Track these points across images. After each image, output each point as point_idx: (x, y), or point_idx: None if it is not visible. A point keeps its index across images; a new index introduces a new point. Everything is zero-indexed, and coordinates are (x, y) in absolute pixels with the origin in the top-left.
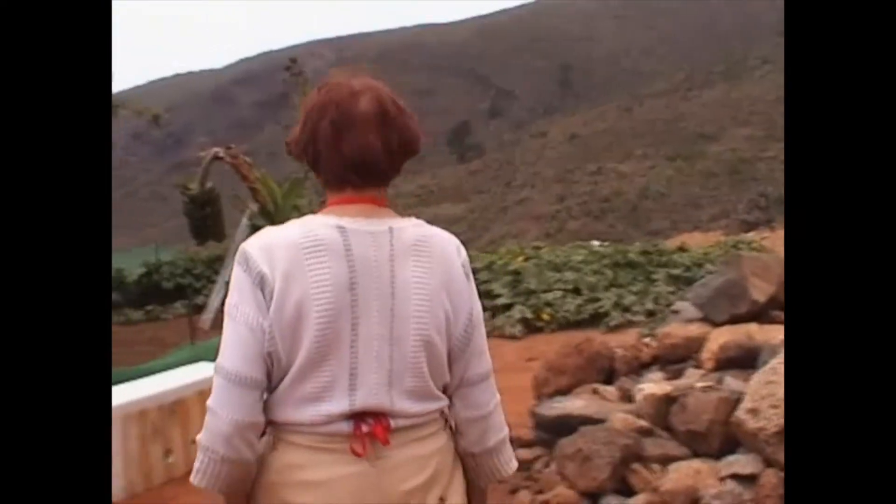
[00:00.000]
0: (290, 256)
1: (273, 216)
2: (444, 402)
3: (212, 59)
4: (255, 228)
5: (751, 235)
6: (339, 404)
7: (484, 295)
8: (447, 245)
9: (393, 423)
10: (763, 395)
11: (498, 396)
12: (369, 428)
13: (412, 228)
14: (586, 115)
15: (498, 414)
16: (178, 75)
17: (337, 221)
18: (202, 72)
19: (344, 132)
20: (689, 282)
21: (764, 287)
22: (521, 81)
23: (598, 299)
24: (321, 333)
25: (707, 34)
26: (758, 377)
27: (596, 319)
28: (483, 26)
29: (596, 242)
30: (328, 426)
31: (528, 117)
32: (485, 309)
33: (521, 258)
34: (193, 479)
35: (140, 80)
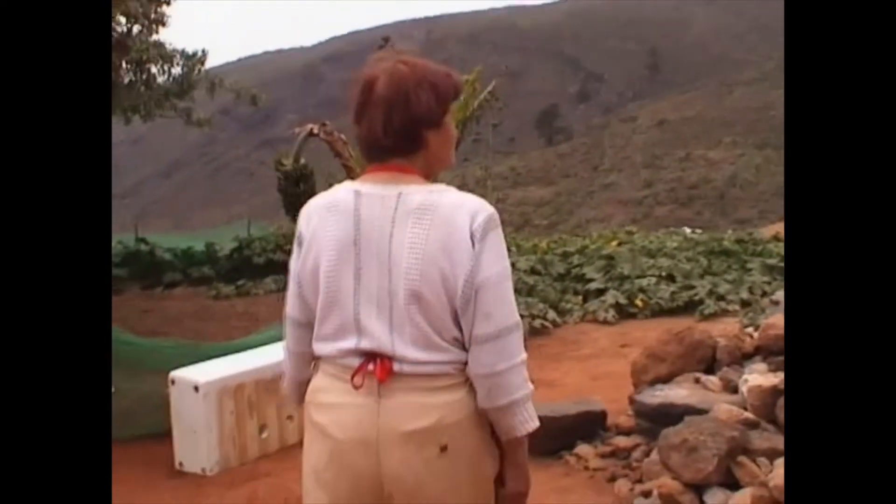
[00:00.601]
0: (318, 216)
1: None
2: (459, 355)
3: (301, 37)
4: None
5: None
6: (349, 343)
7: (576, 279)
8: (456, 210)
9: (396, 366)
10: None
11: (516, 360)
12: (374, 367)
13: (422, 194)
14: (675, 100)
15: (510, 375)
16: (267, 53)
17: (357, 187)
18: (291, 50)
19: (362, 115)
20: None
21: None
22: (610, 65)
23: (692, 287)
24: (328, 282)
25: None
26: None
27: (690, 307)
28: (574, 9)
29: (687, 229)
30: (343, 360)
31: (616, 101)
32: (577, 293)
33: (614, 243)
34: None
35: (231, 57)
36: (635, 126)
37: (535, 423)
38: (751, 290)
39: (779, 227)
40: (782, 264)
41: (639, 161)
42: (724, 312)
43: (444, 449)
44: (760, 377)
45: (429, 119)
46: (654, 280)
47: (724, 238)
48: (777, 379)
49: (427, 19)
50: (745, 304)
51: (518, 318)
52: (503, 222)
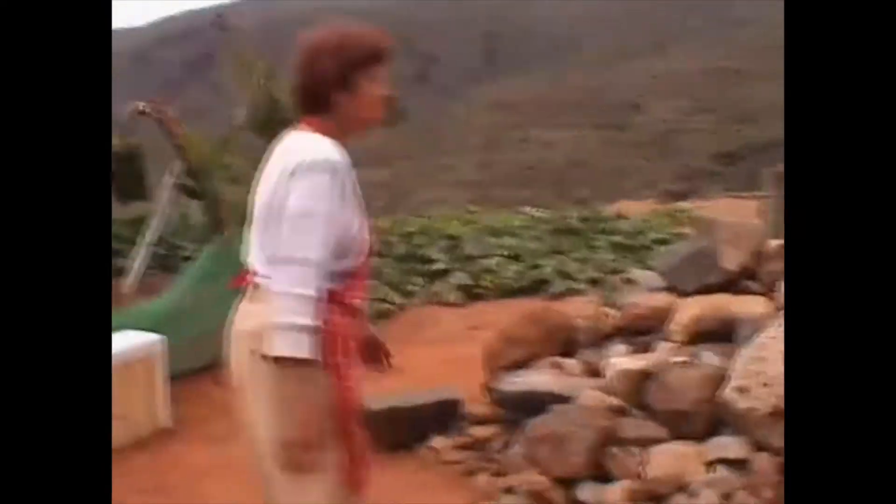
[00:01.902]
0: None
1: (200, 175)
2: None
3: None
4: (182, 188)
5: (685, 204)
6: None
7: (419, 259)
8: (289, 153)
9: (253, 278)
10: (752, 373)
11: (296, 290)
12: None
13: (290, 141)
14: (513, 82)
15: (286, 299)
16: None
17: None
18: (122, 30)
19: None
20: (631, 249)
21: (736, 255)
22: (447, 47)
23: (539, 266)
24: None
25: (636, 4)
26: (744, 353)
27: (538, 287)
28: None
29: (528, 208)
30: None
31: (454, 83)
32: (421, 274)
33: (456, 222)
34: None
35: None
36: (473, 107)
37: (288, 353)
38: (598, 268)
39: (622, 205)
40: (628, 241)
41: (476, 143)
42: (573, 291)
43: (253, 353)
44: (626, 360)
45: (332, 82)
46: (499, 260)
47: (570, 216)
48: (643, 362)
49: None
50: (593, 282)
51: (311, 255)
52: None
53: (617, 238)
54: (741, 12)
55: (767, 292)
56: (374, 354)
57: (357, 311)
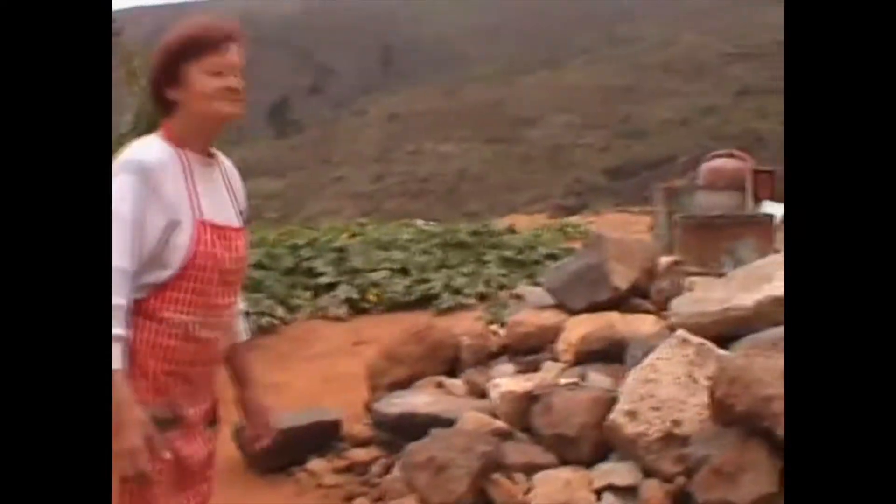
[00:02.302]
0: None
1: None
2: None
3: None
4: None
5: (576, 219)
6: None
7: (306, 273)
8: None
9: None
10: (641, 396)
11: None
12: None
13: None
14: (407, 95)
15: None
16: None
17: None
18: None
19: None
20: (522, 264)
21: (626, 273)
22: (344, 59)
23: (427, 280)
24: None
25: (533, 21)
26: (634, 375)
27: (426, 301)
28: (310, 1)
29: (420, 221)
30: None
31: (348, 95)
32: (307, 288)
33: (345, 234)
34: None
35: None
36: (366, 119)
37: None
38: (488, 284)
39: (512, 219)
40: (519, 256)
41: (369, 154)
42: (462, 307)
43: None
44: (511, 381)
45: (162, 79)
46: (387, 273)
47: (460, 230)
48: (530, 383)
49: (160, 7)
50: (482, 297)
51: (115, 261)
52: None
53: (507, 253)
54: (627, 32)
55: (658, 311)
56: (253, 420)
57: (179, 328)
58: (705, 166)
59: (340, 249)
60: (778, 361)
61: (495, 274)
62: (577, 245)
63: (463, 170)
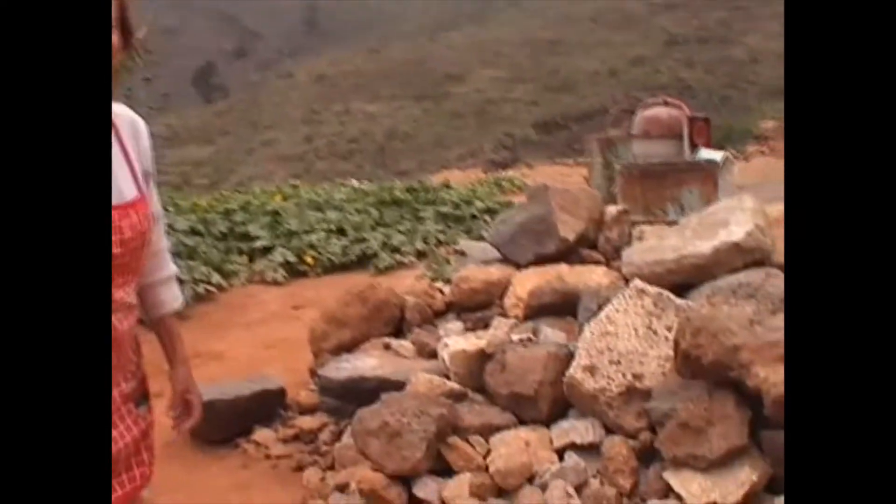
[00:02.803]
0: None
1: None
2: None
3: None
4: None
5: (510, 173)
6: None
7: (241, 238)
8: None
9: None
10: (599, 350)
11: None
12: None
13: None
14: (333, 55)
15: None
16: None
17: None
18: None
19: None
20: (459, 219)
21: (573, 223)
22: (268, 22)
23: (364, 239)
24: None
25: None
26: (591, 328)
27: (364, 261)
28: None
29: (353, 181)
30: None
31: (275, 58)
32: (243, 252)
33: (278, 197)
34: None
35: None
36: (293, 82)
37: None
38: (425, 241)
39: (447, 175)
40: (456, 212)
41: (297, 117)
42: (401, 265)
43: None
44: (462, 340)
45: None
46: (323, 235)
47: (395, 187)
48: (482, 341)
49: None
50: (420, 255)
51: None
52: (163, 183)
53: (444, 209)
54: None
55: (607, 261)
56: (176, 401)
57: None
58: (640, 115)
59: (275, 213)
60: (744, 310)
61: (433, 230)
62: (513, 199)
63: (392, 129)
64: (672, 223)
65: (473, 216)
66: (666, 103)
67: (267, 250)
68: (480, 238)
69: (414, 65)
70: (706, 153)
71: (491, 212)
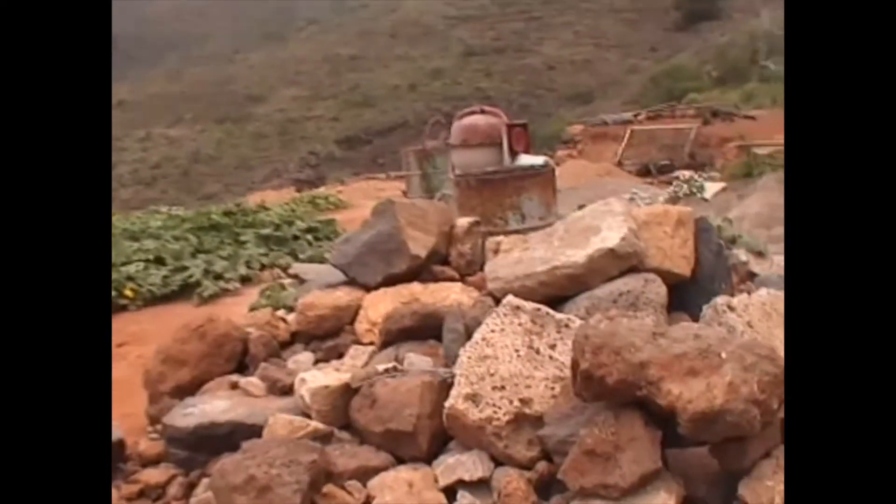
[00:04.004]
0: None
1: None
2: None
3: None
4: None
5: (323, 190)
6: None
7: None
8: None
9: None
10: (480, 376)
11: None
12: None
13: None
14: (135, 80)
15: None
16: None
17: None
18: None
19: None
20: (281, 241)
21: (423, 239)
22: None
23: (185, 268)
24: None
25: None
26: (467, 353)
27: (187, 290)
28: None
29: (165, 207)
30: None
31: None
32: None
33: None
34: None
35: None
36: None
37: None
38: (248, 265)
39: (263, 196)
40: (276, 233)
41: None
42: (226, 292)
43: None
44: (321, 375)
45: None
46: (141, 265)
47: (212, 211)
48: (345, 375)
49: None
50: (244, 279)
51: None
52: None
53: (264, 230)
54: (352, 1)
55: (462, 277)
56: None
57: None
58: (457, 124)
59: None
60: (644, 321)
61: (255, 254)
62: (331, 216)
63: (195, 152)
64: (513, 232)
65: (295, 237)
66: (483, 111)
67: None
68: (310, 260)
69: (216, 86)
70: (527, 159)
71: (312, 231)
